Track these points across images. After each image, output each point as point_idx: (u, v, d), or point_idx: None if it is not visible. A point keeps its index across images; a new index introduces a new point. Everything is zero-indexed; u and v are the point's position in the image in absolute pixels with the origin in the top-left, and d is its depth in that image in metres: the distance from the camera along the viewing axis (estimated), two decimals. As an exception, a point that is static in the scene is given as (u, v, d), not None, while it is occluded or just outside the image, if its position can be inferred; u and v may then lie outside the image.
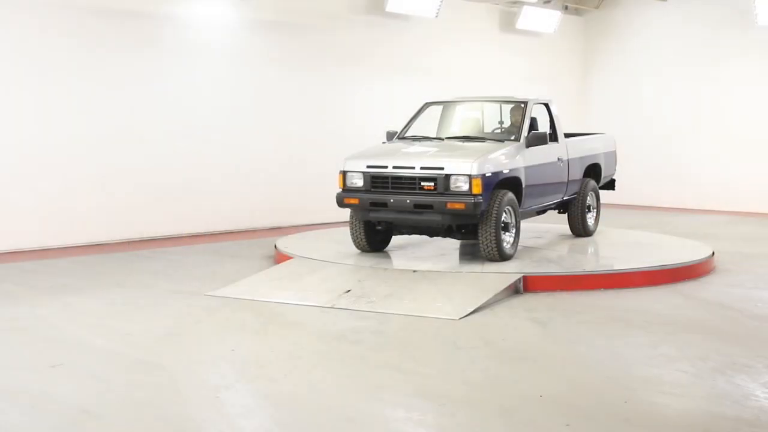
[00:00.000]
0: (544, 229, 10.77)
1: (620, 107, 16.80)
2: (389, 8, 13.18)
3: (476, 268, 7.93)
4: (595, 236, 10.29)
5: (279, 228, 12.22)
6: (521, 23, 15.47)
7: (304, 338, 5.98)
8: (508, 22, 15.64)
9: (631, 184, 15.88)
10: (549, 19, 15.83)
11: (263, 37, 12.22)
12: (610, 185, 11.20)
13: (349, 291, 7.25)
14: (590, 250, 9.42)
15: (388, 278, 7.60)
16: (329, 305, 6.91)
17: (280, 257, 8.91)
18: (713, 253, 8.89)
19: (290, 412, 4.46)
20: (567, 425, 4.21)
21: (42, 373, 5.11)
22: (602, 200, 10.77)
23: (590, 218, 10.27)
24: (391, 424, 4.31)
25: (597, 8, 16.96)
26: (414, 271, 7.82)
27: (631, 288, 7.68)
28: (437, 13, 13.62)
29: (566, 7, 16.64)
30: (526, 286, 7.52)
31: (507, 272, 7.67)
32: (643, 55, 16.45)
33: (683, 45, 15.82)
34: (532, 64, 16.19)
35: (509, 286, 7.36)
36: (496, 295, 7.07)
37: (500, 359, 5.46)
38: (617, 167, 11.20)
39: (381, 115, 13.12)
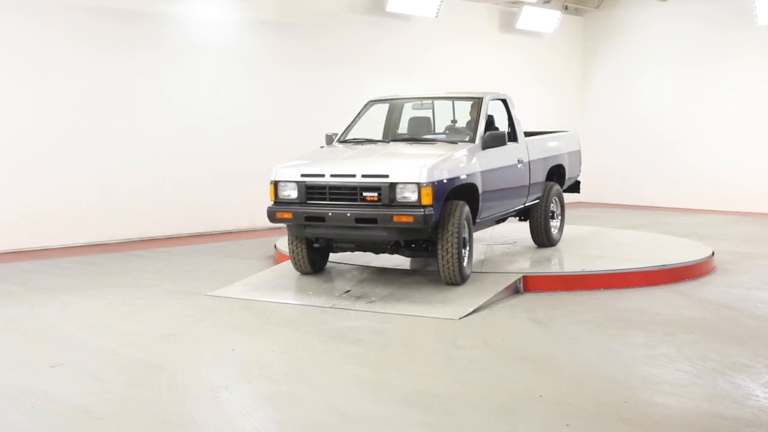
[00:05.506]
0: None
1: (620, 107, 16.79)
2: (389, 8, 13.20)
3: (476, 268, 7.93)
4: (596, 236, 10.27)
5: (279, 228, 12.21)
6: (521, 23, 15.49)
7: (304, 338, 5.97)
8: (508, 22, 15.65)
9: (631, 184, 15.91)
10: (549, 19, 15.84)
11: (263, 37, 12.23)
12: (575, 187, 10.37)
13: (348, 291, 7.25)
14: (590, 250, 9.41)
15: (387, 278, 7.60)
16: (329, 305, 6.91)
17: (280, 257, 8.91)
18: (713, 253, 8.89)
19: (290, 412, 4.45)
20: (567, 425, 4.20)
21: (42, 373, 5.10)
22: (604, 200, 10.65)
23: (554, 226, 9.42)
24: (391, 424, 4.31)
25: (597, 8, 16.96)
26: (414, 270, 7.81)
27: (631, 288, 7.68)
28: (437, 12, 13.63)
29: (566, 7, 16.65)
30: (526, 286, 7.52)
31: (507, 272, 7.67)
32: (642, 54, 16.44)
33: (683, 45, 15.82)
34: (532, 64, 16.20)
35: (509, 286, 7.35)
36: (496, 295, 7.07)
37: (500, 359, 5.45)
38: (582, 168, 10.40)
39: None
